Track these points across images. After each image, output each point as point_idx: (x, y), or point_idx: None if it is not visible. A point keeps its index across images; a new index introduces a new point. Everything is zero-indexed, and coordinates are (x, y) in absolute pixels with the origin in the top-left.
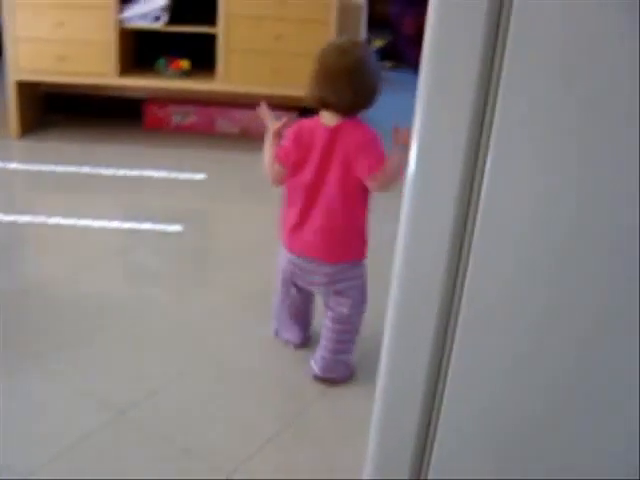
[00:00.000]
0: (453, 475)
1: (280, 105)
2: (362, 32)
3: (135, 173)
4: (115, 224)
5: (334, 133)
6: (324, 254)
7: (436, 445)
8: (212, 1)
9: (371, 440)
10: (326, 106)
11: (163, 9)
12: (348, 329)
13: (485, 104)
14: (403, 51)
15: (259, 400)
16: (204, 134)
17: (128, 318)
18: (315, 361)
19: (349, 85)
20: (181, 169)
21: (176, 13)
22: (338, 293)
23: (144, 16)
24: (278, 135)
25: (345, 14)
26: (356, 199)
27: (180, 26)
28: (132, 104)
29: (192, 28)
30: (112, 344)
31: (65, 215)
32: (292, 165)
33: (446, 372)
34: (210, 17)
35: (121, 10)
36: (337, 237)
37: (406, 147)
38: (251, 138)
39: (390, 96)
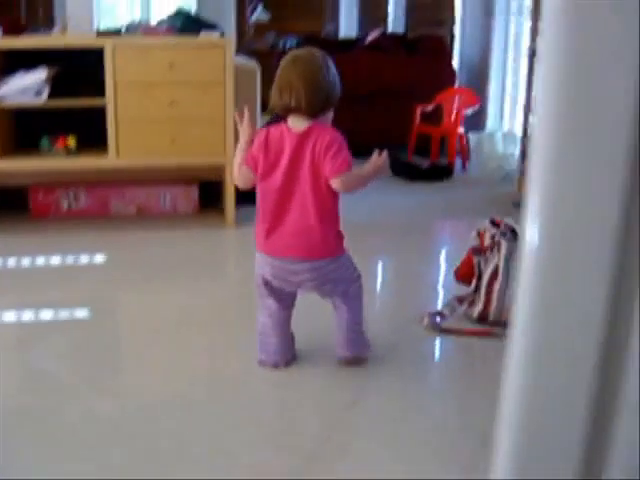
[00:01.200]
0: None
1: (179, 179)
2: (257, 94)
3: (26, 262)
4: (9, 318)
5: (303, 137)
6: (304, 252)
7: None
8: (98, 70)
9: (507, 437)
10: (290, 111)
11: (44, 82)
12: (356, 308)
13: None
14: None
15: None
16: (98, 217)
17: (29, 428)
18: (338, 350)
19: (306, 89)
20: (77, 254)
21: (59, 85)
22: (329, 284)
23: (23, 92)
24: (250, 142)
25: (240, 76)
26: (327, 198)
27: (64, 100)
28: (15, 192)
29: (78, 101)
30: None
31: None
32: (262, 170)
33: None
34: (97, 87)
35: None
36: (313, 236)
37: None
38: (149, 216)
39: None
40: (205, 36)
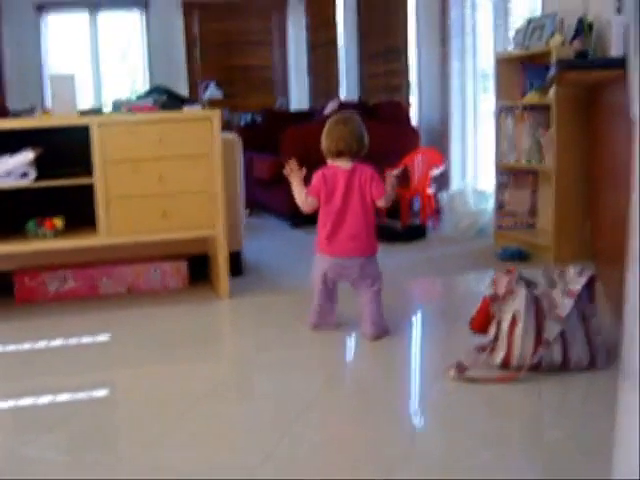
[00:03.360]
0: None
1: (168, 254)
2: (239, 165)
3: (26, 347)
4: (14, 404)
5: (351, 173)
6: (357, 252)
7: None
8: (84, 149)
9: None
10: (341, 155)
11: (30, 164)
12: (379, 299)
13: None
14: (256, 197)
15: None
16: (87, 298)
17: None
18: (367, 329)
19: (355, 139)
20: (77, 335)
21: (44, 166)
22: (367, 279)
23: (8, 174)
24: (302, 182)
25: (224, 148)
26: (369, 214)
27: (51, 180)
28: (0, 278)
29: (66, 181)
30: None
31: None
32: (324, 197)
33: None
34: (82, 166)
35: None
36: (364, 239)
37: (391, 185)
38: (139, 294)
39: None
40: (189, 110)
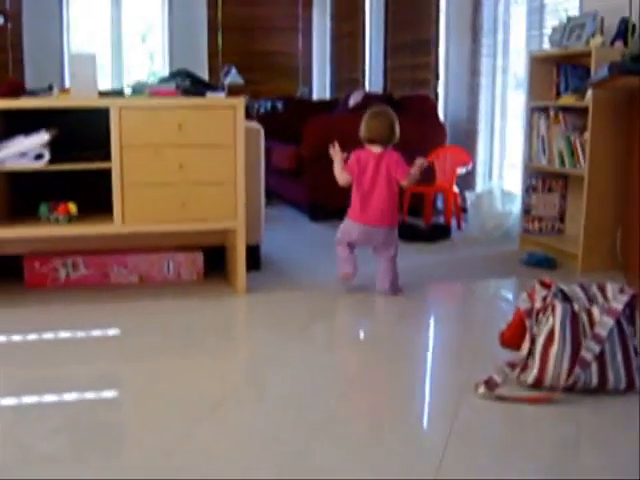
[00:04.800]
0: None
1: (183, 244)
2: (261, 154)
3: (34, 337)
4: (17, 401)
5: (380, 156)
6: (383, 222)
7: None
8: (103, 132)
9: None
10: (373, 142)
11: (45, 146)
12: (395, 262)
13: None
14: (275, 187)
15: None
16: (98, 287)
17: None
18: (383, 285)
19: (386, 130)
20: (86, 328)
21: (59, 149)
22: (389, 246)
23: (22, 155)
24: (344, 160)
25: (247, 137)
26: (394, 191)
27: (67, 164)
28: (10, 261)
29: (82, 165)
30: None
31: None
32: (357, 175)
33: None
34: (100, 150)
35: None
36: (388, 212)
37: (419, 167)
38: (152, 285)
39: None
40: (212, 97)
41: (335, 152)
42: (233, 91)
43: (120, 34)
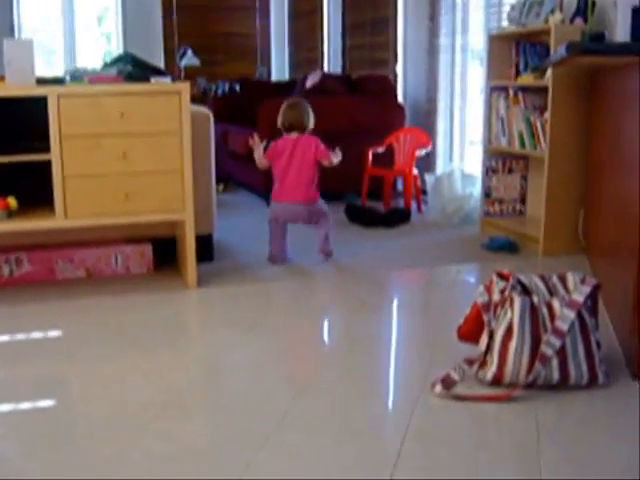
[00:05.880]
0: None
1: (131, 237)
2: (211, 140)
3: None
4: None
5: (297, 141)
6: (297, 197)
7: None
8: (41, 123)
9: None
10: (292, 129)
11: None
12: (328, 233)
13: None
14: (231, 171)
15: None
16: (43, 283)
17: None
18: (321, 251)
19: (302, 117)
20: (27, 329)
21: None
22: (316, 222)
23: None
24: (264, 149)
25: (194, 123)
26: (309, 170)
27: (4, 156)
28: None
29: (20, 157)
30: None
31: None
32: (274, 158)
33: None
34: (40, 141)
35: None
36: (303, 188)
37: (336, 154)
38: (100, 279)
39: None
40: (157, 82)
41: (255, 142)
42: (189, 73)
43: (73, 17)
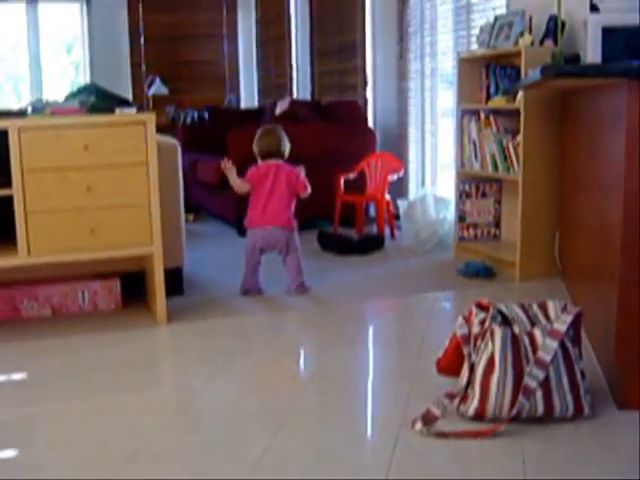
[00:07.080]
0: None
1: (98, 272)
2: (178, 171)
3: None
4: None
5: (277, 168)
6: (278, 222)
7: None
8: (2, 157)
9: None
10: (269, 156)
11: None
12: (300, 266)
13: None
14: (201, 200)
15: None
16: (7, 323)
17: None
18: (291, 288)
19: (277, 145)
20: None
21: None
22: (289, 252)
23: None
24: (237, 176)
25: (161, 154)
26: (290, 198)
27: None
28: None
29: None
30: None
31: None
32: (256, 183)
33: None
34: (1, 176)
35: None
36: (284, 214)
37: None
38: (67, 317)
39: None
40: (121, 113)
41: (227, 167)
42: (158, 102)
43: (38, 46)
